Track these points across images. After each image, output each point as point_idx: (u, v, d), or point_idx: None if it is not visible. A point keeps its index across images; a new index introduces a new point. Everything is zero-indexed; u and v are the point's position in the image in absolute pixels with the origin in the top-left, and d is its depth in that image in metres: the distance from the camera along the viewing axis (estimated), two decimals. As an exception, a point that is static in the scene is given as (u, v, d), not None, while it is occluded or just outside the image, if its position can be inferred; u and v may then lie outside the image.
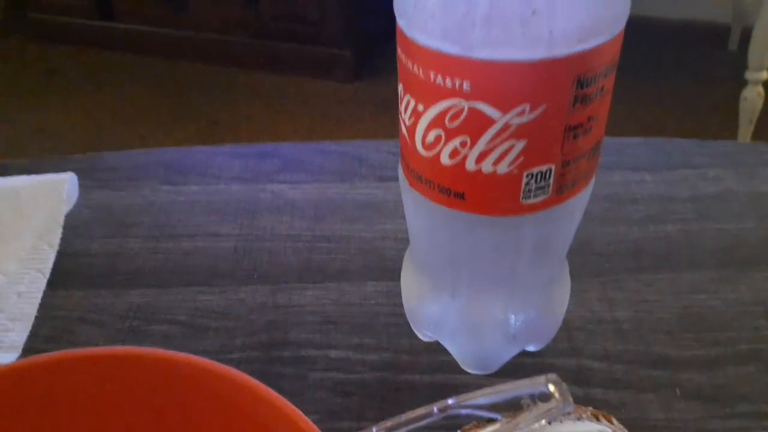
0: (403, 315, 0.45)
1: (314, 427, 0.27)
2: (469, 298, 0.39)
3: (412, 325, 0.44)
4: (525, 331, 0.40)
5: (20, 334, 0.46)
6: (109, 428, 0.32)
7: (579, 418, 0.36)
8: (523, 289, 0.38)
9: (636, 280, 0.48)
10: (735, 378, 0.41)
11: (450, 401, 0.24)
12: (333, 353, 0.44)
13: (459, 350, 0.41)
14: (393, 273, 0.48)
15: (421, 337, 0.44)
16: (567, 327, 0.44)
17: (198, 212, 0.55)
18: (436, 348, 0.43)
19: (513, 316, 0.39)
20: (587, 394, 0.40)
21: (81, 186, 0.57)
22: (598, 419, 0.36)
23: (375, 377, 0.42)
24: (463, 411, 0.23)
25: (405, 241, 0.44)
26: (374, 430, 0.24)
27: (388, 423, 0.24)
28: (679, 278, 0.48)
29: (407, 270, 0.44)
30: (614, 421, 0.36)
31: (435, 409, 0.25)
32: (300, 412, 0.28)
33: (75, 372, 0.31)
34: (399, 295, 0.46)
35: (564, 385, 0.22)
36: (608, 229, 0.52)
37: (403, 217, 0.41)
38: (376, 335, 0.45)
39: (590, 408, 0.37)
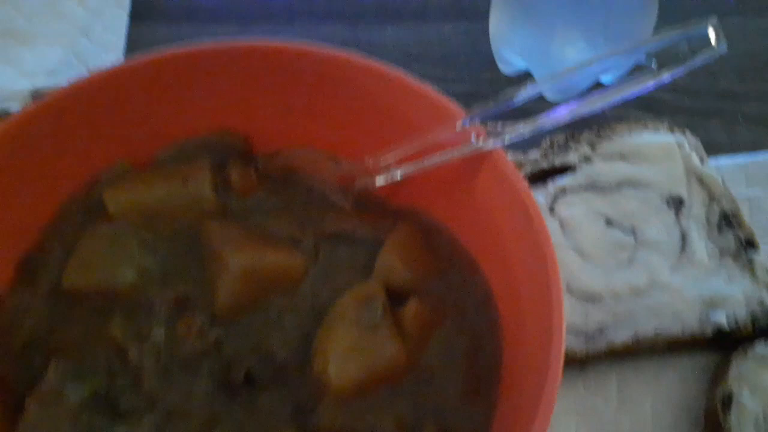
0: (482, 52, 0.47)
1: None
2: (558, 25, 0.40)
3: (497, 57, 0.46)
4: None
5: (115, 62, 0.47)
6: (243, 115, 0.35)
7: (656, 131, 0.40)
8: (609, 21, 0.40)
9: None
10: (794, 108, 0.44)
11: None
12: (417, 84, 0.46)
13: (542, 72, 0.43)
14: (471, 15, 0.49)
15: (503, 69, 0.46)
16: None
17: (266, -47, 0.54)
18: (517, 81, 0.46)
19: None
20: (658, 120, 0.44)
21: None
22: (673, 132, 0.40)
23: (459, 105, 0.45)
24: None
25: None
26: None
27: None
28: (750, 23, 0.49)
29: (497, 2, 0.44)
30: (687, 133, 0.40)
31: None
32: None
33: (210, 61, 0.33)
34: (477, 34, 0.47)
35: (721, 31, 0.24)
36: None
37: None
38: (457, 69, 0.47)
39: (666, 122, 0.40)
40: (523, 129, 0.27)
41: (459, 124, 0.29)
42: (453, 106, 0.30)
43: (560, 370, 0.24)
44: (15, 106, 0.42)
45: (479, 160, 0.29)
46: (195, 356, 0.28)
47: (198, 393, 0.27)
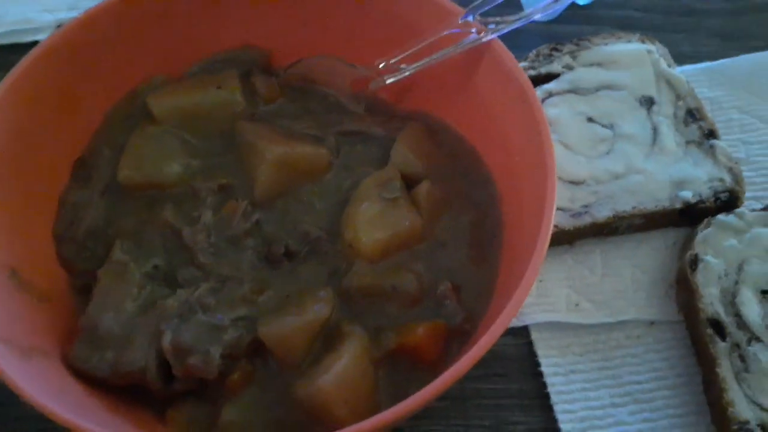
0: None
1: None
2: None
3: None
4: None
5: None
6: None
7: (629, 42, 0.45)
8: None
9: None
10: (751, 22, 0.49)
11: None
12: None
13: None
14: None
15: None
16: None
17: None
18: None
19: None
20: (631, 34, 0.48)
21: None
22: (644, 42, 0.45)
23: None
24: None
25: None
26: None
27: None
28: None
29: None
30: (657, 43, 0.45)
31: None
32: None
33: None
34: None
35: None
36: None
37: None
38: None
39: (638, 33, 0.45)
40: (516, 20, 0.32)
41: (458, 20, 0.33)
42: (451, 5, 0.33)
43: (550, 230, 0.28)
44: (42, 36, 0.45)
45: (479, 53, 0.33)
46: (240, 235, 0.32)
47: (245, 265, 0.32)
